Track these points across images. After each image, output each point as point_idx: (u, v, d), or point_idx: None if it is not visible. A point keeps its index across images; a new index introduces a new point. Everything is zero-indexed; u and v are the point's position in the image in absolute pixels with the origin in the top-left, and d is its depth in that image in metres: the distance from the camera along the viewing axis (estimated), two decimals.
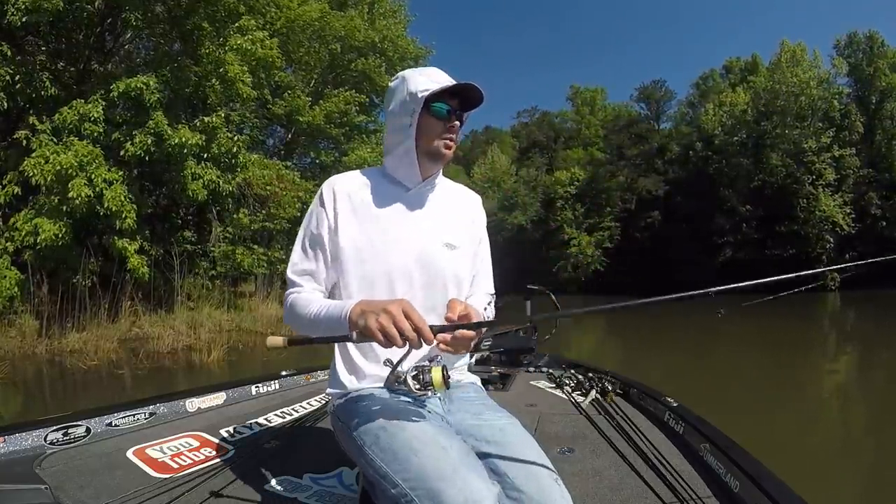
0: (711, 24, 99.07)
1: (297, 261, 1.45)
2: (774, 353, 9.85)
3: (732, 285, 1.22)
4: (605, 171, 40.74)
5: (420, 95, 1.36)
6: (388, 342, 1.12)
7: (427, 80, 1.38)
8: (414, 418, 1.20)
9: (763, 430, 4.71)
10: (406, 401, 1.31)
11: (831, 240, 30.73)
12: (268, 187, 12.17)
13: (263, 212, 12.48)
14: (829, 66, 32.59)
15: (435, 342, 1.15)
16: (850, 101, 32.56)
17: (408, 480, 1.06)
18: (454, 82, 1.37)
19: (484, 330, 1.29)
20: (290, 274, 1.45)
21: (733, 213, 33.62)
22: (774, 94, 32.18)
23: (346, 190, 1.44)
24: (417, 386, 1.16)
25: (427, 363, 1.19)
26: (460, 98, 1.41)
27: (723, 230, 33.72)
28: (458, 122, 1.42)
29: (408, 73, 1.43)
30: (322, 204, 1.43)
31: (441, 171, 1.51)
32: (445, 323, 1.24)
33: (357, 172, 1.50)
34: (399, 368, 1.18)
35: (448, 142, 1.42)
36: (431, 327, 1.13)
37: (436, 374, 1.16)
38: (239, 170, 10.51)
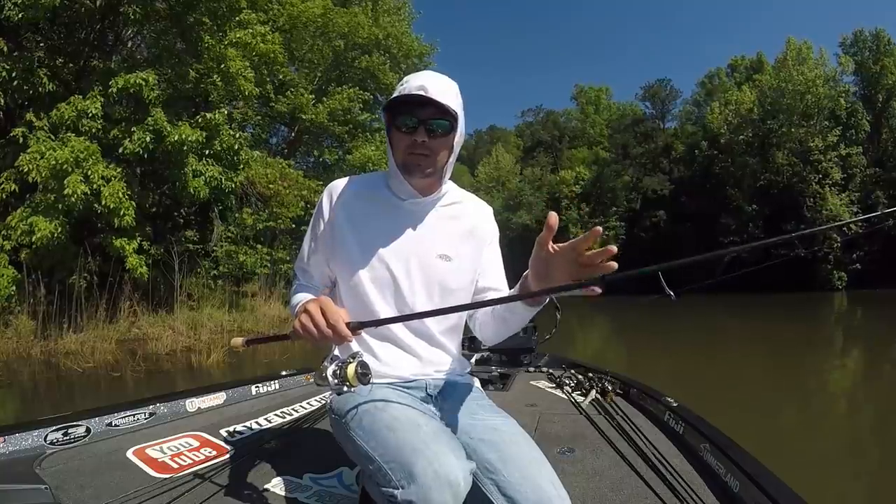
0: (716, 23, 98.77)
1: (299, 260, 1.52)
2: (781, 352, 9.79)
3: (683, 260, 1.09)
4: (610, 171, 40.68)
5: (382, 109, 1.35)
6: (312, 340, 1.18)
7: (400, 87, 1.33)
8: (399, 403, 1.24)
9: (769, 431, 4.69)
10: (399, 393, 1.33)
11: (839, 239, 30.54)
12: (270, 186, 12.10)
13: (266, 211, 12.45)
14: (835, 64, 32.47)
15: (353, 337, 1.18)
16: (856, 100, 32.40)
17: (383, 455, 1.09)
18: (415, 90, 1.29)
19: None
20: (294, 268, 1.54)
21: (739, 212, 33.49)
22: (780, 93, 32.07)
23: (344, 197, 1.44)
24: (336, 382, 1.17)
25: (350, 359, 1.19)
26: (437, 107, 1.31)
27: (728, 229, 33.55)
28: (426, 136, 1.32)
29: (405, 78, 1.39)
30: (321, 210, 1.45)
31: (444, 181, 1.44)
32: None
33: (358, 178, 1.49)
34: (323, 364, 1.20)
35: (416, 156, 1.34)
36: (349, 324, 1.16)
37: (350, 369, 1.17)
38: (241, 167, 10.42)
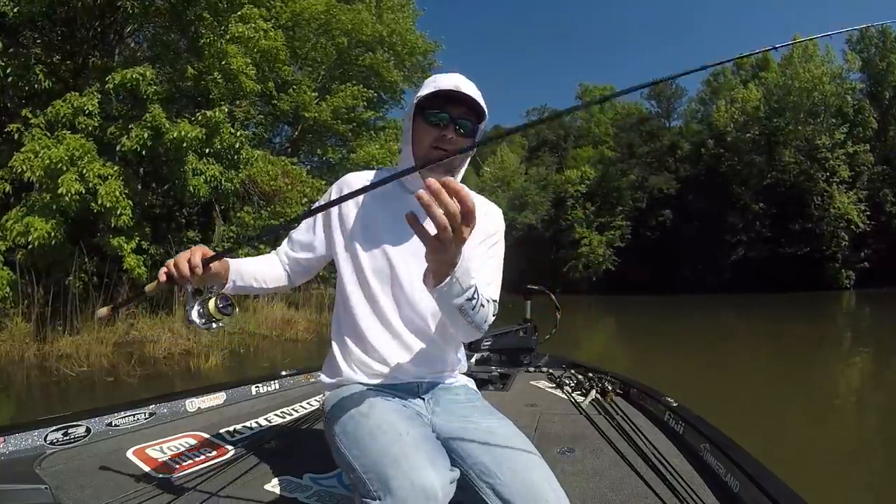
0: (721, 21, 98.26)
1: (294, 230, 1.58)
2: (788, 352, 9.75)
3: None
4: (615, 170, 40.49)
5: (414, 101, 1.36)
6: (170, 280, 1.26)
7: (431, 84, 1.36)
8: (383, 409, 1.24)
9: (776, 432, 4.67)
10: (387, 395, 1.34)
11: (846, 237, 30.36)
12: (272, 183, 11.94)
13: (269, 209, 12.33)
14: (841, 62, 32.29)
15: (200, 273, 1.24)
16: (863, 97, 32.20)
17: (363, 465, 1.09)
18: (450, 87, 1.33)
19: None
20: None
21: (746, 210, 33.36)
22: (787, 90, 31.90)
23: (355, 189, 1.46)
24: (203, 320, 1.22)
25: (207, 295, 1.25)
26: (470, 107, 1.36)
27: (735, 228, 33.44)
28: (454, 133, 1.36)
29: (433, 77, 1.42)
30: (331, 192, 1.51)
31: (456, 178, 1.45)
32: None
33: (369, 172, 1.53)
34: (186, 308, 1.25)
35: (440, 151, 1.36)
36: (210, 259, 1.25)
37: (210, 304, 1.22)
38: (242, 166, 10.25)
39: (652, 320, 17.53)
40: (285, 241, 1.59)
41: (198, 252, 1.26)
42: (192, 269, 1.23)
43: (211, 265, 1.28)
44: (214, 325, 1.23)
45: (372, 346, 1.40)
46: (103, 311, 1.38)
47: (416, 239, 1.39)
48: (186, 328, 9.08)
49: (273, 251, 1.61)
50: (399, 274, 1.40)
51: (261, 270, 1.53)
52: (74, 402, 5.96)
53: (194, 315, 1.22)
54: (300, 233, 1.55)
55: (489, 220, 1.53)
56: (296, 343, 10.01)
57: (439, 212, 0.93)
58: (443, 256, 1.03)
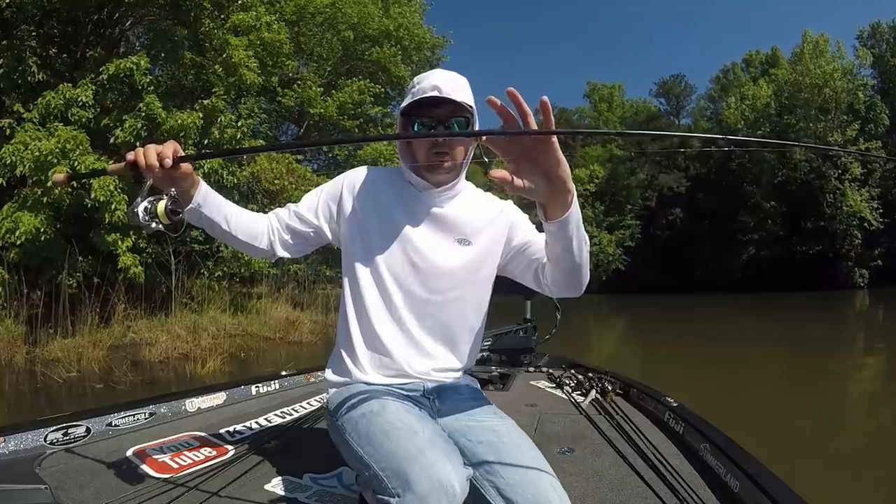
0: (729, 18, 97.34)
1: (300, 201, 1.52)
2: (800, 354, 9.63)
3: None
4: (624, 169, 40.37)
5: (399, 112, 1.37)
6: (139, 167, 1.20)
7: (412, 91, 1.35)
8: (395, 407, 1.23)
9: (788, 433, 4.63)
10: (394, 394, 1.33)
11: (859, 235, 30.07)
12: (276, 181, 11.75)
13: (273, 206, 12.22)
14: (852, 58, 32.02)
15: (169, 166, 1.19)
16: (874, 93, 31.89)
17: (378, 462, 1.08)
18: (429, 92, 1.31)
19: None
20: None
21: (757, 209, 33.13)
22: (797, 87, 31.64)
23: (367, 185, 1.47)
24: (146, 217, 1.18)
25: (163, 195, 1.22)
26: (459, 103, 1.34)
27: (747, 227, 33.23)
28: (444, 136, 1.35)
29: (414, 80, 1.40)
30: (342, 182, 1.48)
31: (460, 177, 1.46)
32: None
33: (377, 169, 1.52)
34: (136, 201, 1.21)
35: (439, 155, 1.36)
36: (181, 158, 1.21)
37: (160, 205, 1.19)
38: (246, 162, 10.02)
39: (662, 320, 17.46)
40: (283, 209, 1.52)
41: (170, 146, 1.22)
42: (160, 160, 1.19)
43: (182, 165, 1.23)
44: (154, 226, 1.19)
45: (383, 345, 1.39)
46: (60, 176, 1.38)
47: (431, 231, 1.42)
48: (186, 330, 8.82)
49: (269, 212, 1.53)
50: (417, 270, 1.40)
51: (238, 215, 1.43)
52: (59, 412, 5.69)
53: (140, 209, 1.17)
54: (302, 209, 1.49)
55: (513, 209, 1.55)
56: (300, 346, 9.85)
57: (525, 106, 0.99)
58: (556, 155, 1.11)
